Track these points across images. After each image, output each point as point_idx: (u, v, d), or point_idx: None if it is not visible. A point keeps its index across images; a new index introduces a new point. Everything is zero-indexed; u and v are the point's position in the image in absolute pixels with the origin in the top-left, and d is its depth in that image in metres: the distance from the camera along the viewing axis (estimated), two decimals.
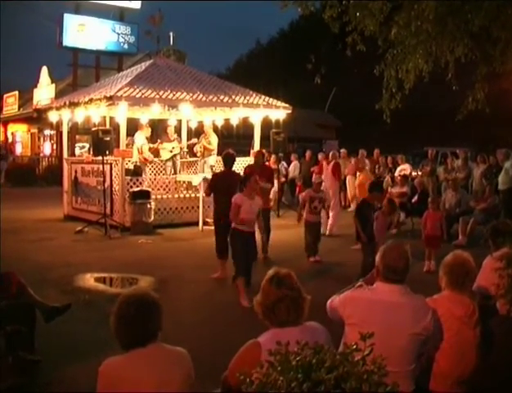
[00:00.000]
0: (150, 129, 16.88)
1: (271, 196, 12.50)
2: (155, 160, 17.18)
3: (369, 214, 8.97)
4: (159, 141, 17.22)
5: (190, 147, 17.56)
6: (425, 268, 9.75)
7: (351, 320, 3.61)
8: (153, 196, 14.14)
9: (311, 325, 3.36)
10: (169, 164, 17.10)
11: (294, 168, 21.27)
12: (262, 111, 15.99)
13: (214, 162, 16.72)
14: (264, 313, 3.30)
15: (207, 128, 16.99)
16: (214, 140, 17.09)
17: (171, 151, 16.76)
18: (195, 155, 17.30)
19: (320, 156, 18.78)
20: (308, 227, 10.69)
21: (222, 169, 10.56)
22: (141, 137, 16.30)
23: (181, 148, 16.84)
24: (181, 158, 17.44)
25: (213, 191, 9.56)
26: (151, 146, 16.66)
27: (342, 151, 19.15)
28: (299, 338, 2.32)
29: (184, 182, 16.26)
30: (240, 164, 15.81)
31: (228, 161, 9.85)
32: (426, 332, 3.65)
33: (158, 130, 19.77)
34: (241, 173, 10.57)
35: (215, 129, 17.93)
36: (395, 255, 3.75)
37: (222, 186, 9.27)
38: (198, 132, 18.65)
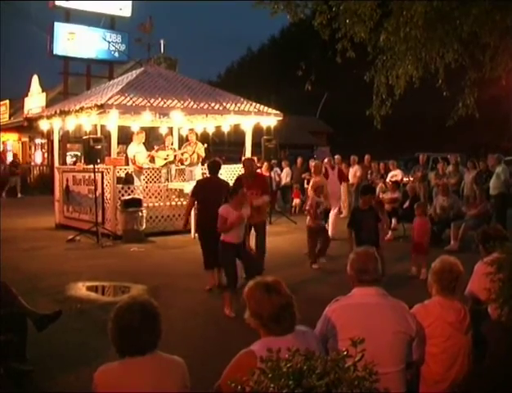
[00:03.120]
0: (144, 134, 16.72)
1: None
2: (151, 165, 17.09)
3: (362, 220, 8.93)
4: (156, 147, 17.17)
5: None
6: (410, 273, 9.69)
7: (335, 328, 3.63)
8: (145, 204, 14.11)
9: (301, 330, 3.34)
10: (164, 171, 17.08)
11: (285, 175, 21.25)
12: (254, 118, 16.00)
13: (201, 171, 16.67)
14: (263, 324, 3.24)
15: (192, 137, 16.83)
16: (202, 149, 16.99)
17: (165, 159, 16.72)
18: (182, 163, 17.18)
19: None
20: (312, 232, 10.59)
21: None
22: (132, 148, 16.22)
23: (175, 156, 16.77)
24: (176, 166, 17.35)
25: (197, 200, 9.12)
26: (149, 153, 16.63)
27: (336, 157, 19.07)
28: (293, 344, 2.32)
29: (176, 189, 16.23)
30: (231, 172, 15.83)
31: (213, 168, 9.45)
32: (410, 331, 3.70)
33: (149, 138, 19.71)
34: (230, 182, 10.31)
35: (206, 137, 17.90)
36: (363, 258, 3.87)
37: (205, 193, 8.87)
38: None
